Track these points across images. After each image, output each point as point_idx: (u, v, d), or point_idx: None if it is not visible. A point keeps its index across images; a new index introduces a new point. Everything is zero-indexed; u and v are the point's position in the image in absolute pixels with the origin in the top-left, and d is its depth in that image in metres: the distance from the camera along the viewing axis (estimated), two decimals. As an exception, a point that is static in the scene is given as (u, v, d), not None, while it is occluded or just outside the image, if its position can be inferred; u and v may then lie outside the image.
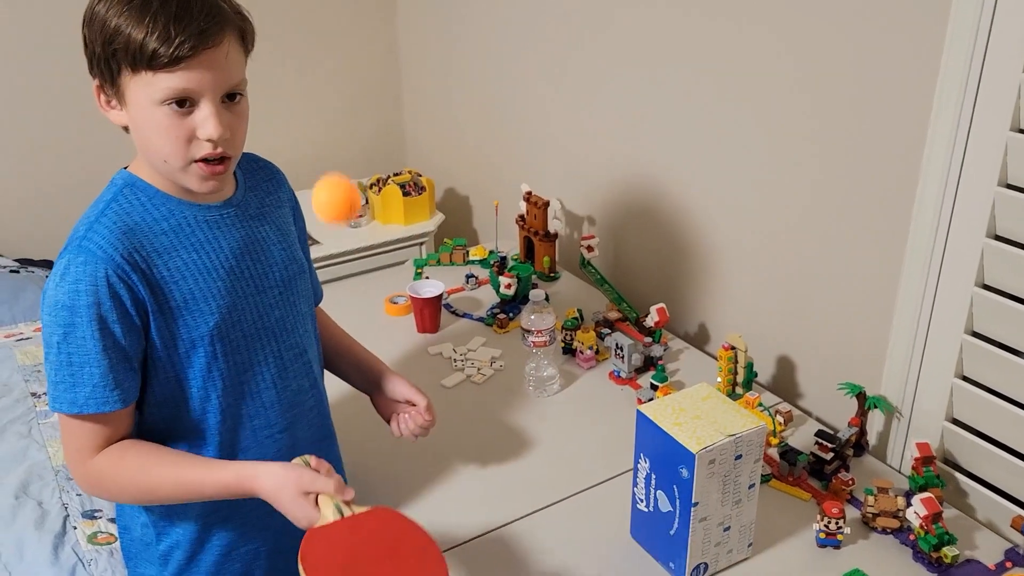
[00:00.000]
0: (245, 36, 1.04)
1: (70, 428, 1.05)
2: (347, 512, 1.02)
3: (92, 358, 1.01)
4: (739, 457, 1.17)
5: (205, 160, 1.03)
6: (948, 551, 1.24)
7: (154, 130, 1.01)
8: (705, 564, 1.22)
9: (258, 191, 1.19)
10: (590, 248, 1.95)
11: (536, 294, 1.60)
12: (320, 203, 1.16)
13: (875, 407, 1.48)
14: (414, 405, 1.29)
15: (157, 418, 1.11)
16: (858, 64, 1.42)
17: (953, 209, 1.32)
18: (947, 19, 1.26)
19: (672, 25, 1.77)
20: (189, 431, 1.12)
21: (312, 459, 1.08)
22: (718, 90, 1.70)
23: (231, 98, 1.03)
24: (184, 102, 1.00)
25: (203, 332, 1.08)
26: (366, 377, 1.34)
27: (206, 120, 1.00)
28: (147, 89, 0.98)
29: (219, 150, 1.03)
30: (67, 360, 1.01)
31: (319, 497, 1.03)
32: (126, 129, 1.06)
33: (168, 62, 0.96)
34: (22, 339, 2.02)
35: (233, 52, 1.02)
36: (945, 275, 1.35)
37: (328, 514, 1.01)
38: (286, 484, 1.03)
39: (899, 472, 1.48)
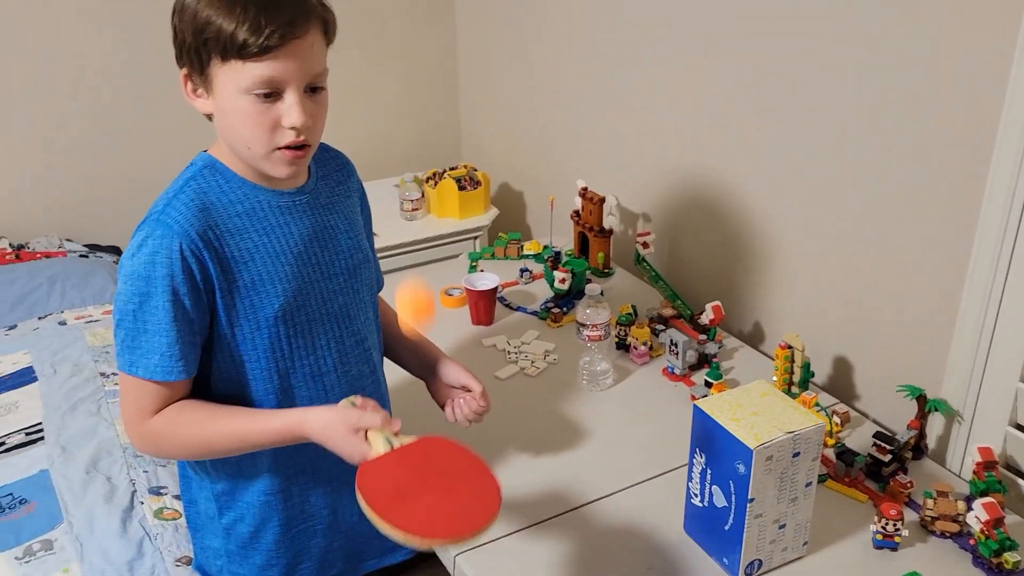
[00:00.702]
0: (328, 27, 1.08)
1: (132, 388, 1.09)
2: (396, 443, 1.07)
3: (163, 327, 1.05)
4: (797, 455, 1.16)
5: (287, 147, 1.06)
6: (1009, 557, 1.22)
7: (240, 118, 1.05)
8: (760, 561, 1.22)
9: (329, 180, 1.22)
10: (645, 245, 1.95)
11: (592, 289, 1.61)
12: (402, 307, 1.27)
13: (935, 410, 1.46)
14: (469, 391, 1.31)
15: (218, 397, 1.15)
16: (927, 59, 1.40)
17: None
18: (1022, 13, 1.24)
19: (731, 17, 1.76)
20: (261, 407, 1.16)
21: (358, 398, 1.13)
22: (779, 85, 1.69)
23: (313, 89, 1.07)
24: (270, 91, 1.03)
25: (268, 314, 1.12)
26: (422, 362, 1.37)
27: (291, 109, 1.04)
28: (235, 78, 1.02)
29: (301, 138, 1.06)
30: (142, 328, 1.06)
31: (368, 432, 1.08)
32: (209, 117, 1.10)
33: (257, 51, 1.00)
34: (91, 321, 2.09)
35: (317, 43, 1.06)
36: (1013, 277, 1.33)
37: (379, 447, 1.06)
38: (335, 424, 1.08)
39: (958, 476, 1.46)
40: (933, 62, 1.39)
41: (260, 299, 1.11)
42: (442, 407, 1.34)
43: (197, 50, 1.02)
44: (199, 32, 1.01)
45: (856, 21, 1.50)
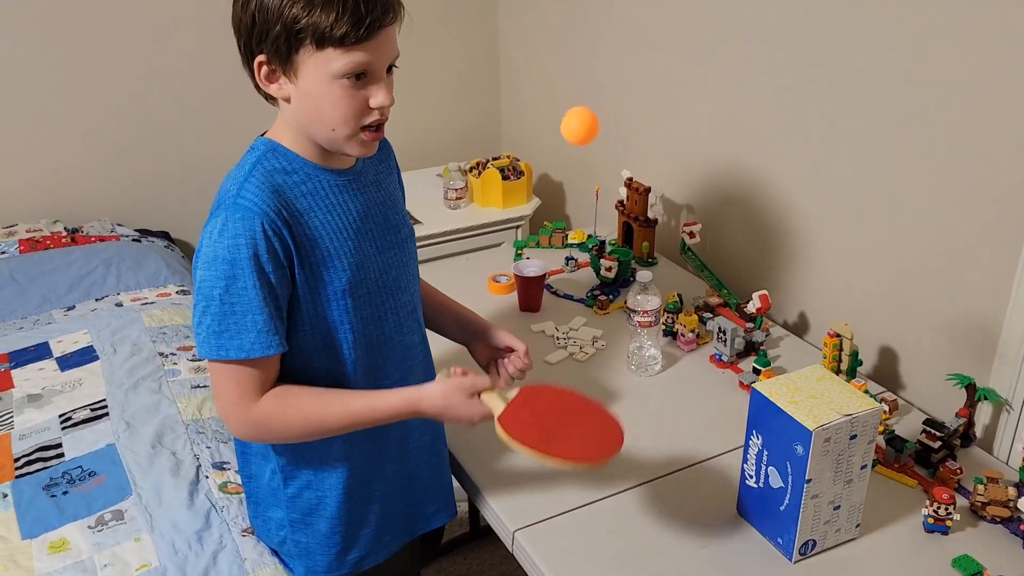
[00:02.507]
0: (401, 10, 1.12)
1: (233, 376, 1.13)
2: (507, 397, 1.20)
3: (255, 306, 1.09)
4: (853, 437, 1.19)
5: (368, 127, 1.12)
6: (1061, 542, 1.24)
7: (330, 102, 1.09)
8: (813, 541, 1.25)
9: (373, 159, 1.27)
10: (692, 235, 1.97)
11: (643, 275, 1.64)
12: (569, 129, 1.44)
13: (984, 399, 1.48)
14: (513, 351, 1.38)
15: (293, 368, 1.19)
16: (975, 51, 1.42)
17: (1078, 202, 1.31)
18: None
19: (777, 8, 1.78)
20: (322, 381, 1.21)
21: (455, 368, 1.23)
22: (825, 76, 1.70)
23: (388, 70, 1.12)
24: (362, 75, 1.08)
25: (337, 288, 1.17)
26: (465, 329, 1.43)
27: (379, 91, 1.10)
28: (328, 64, 1.06)
29: (384, 117, 1.12)
30: (230, 310, 1.09)
31: (482, 394, 1.20)
32: (272, 101, 1.14)
33: (356, 40, 1.05)
34: (147, 303, 2.14)
35: (398, 26, 1.10)
36: (1067, 268, 1.35)
37: (497, 404, 1.19)
38: (452, 394, 1.19)
39: (1007, 464, 1.48)
40: (983, 59, 1.41)
41: (330, 275, 1.16)
42: (485, 369, 1.41)
43: (287, 39, 1.06)
44: (292, 22, 1.04)
45: (903, 18, 1.52)
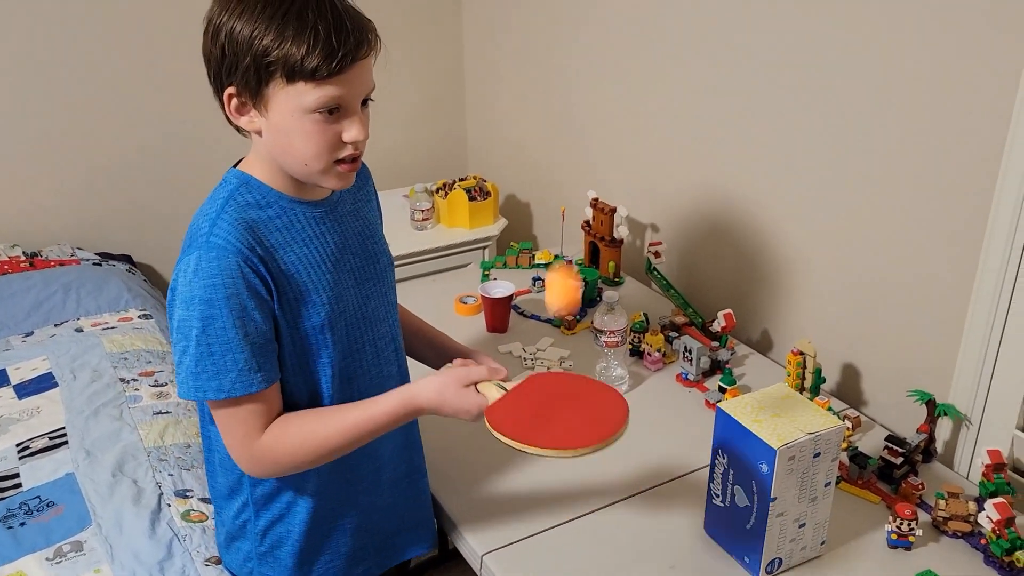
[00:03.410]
0: (377, 43, 1.11)
1: (234, 415, 1.11)
2: (508, 387, 1.16)
3: (234, 345, 1.07)
4: (817, 455, 1.20)
5: (343, 160, 1.10)
6: (1021, 555, 1.26)
7: (301, 136, 1.06)
8: (780, 559, 1.26)
9: (350, 188, 1.25)
10: (657, 254, 1.99)
11: (609, 295, 1.65)
12: (552, 298, 1.36)
13: (944, 414, 1.50)
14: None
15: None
16: (933, 68, 1.45)
17: (1030, 221, 1.34)
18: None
19: (740, 31, 1.81)
20: None
21: (455, 361, 1.24)
22: (787, 96, 1.74)
23: (363, 103, 1.10)
24: (335, 109, 1.06)
25: (316, 323, 1.15)
26: (442, 355, 1.40)
27: (353, 124, 1.08)
28: (300, 98, 1.04)
29: (359, 151, 1.10)
30: (207, 351, 1.07)
31: (478, 385, 1.16)
32: (244, 134, 1.12)
33: (328, 74, 1.02)
34: (108, 328, 2.11)
35: (373, 58, 1.09)
36: (1021, 282, 1.38)
37: (493, 394, 1.14)
38: (447, 385, 1.15)
39: (966, 479, 1.50)
40: (940, 77, 1.44)
41: (308, 310, 1.14)
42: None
43: (256, 72, 1.03)
44: (262, 54, 1.02)
45: (869, 42, 1.55)
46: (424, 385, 1.16)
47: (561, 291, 1.34)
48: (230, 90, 1.07)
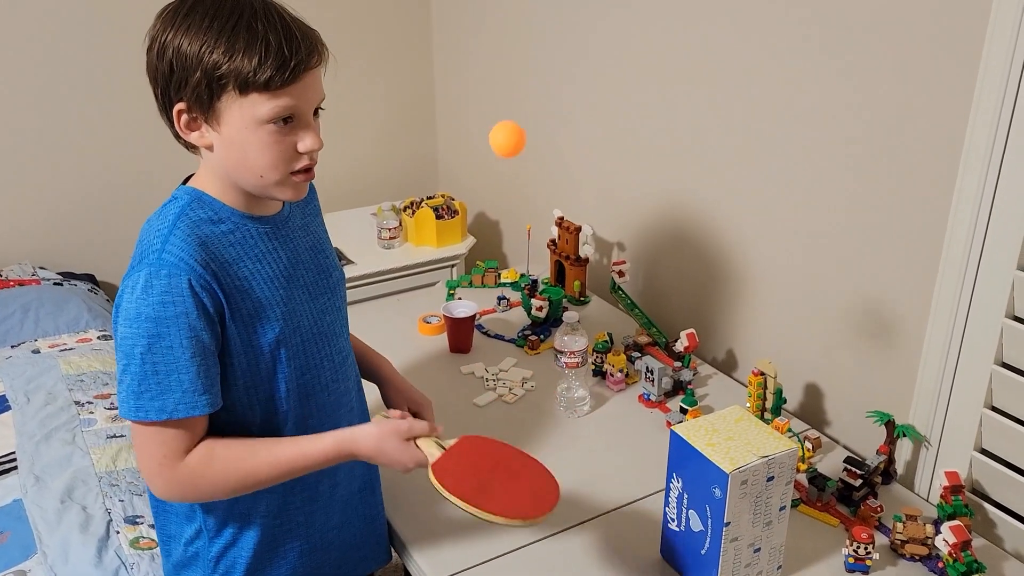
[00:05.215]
0: (326, 52, 1.10)
1: (155, 436, 1.08)
2: (445, 445, 1.17)
3: (181, 365, 1.05)
4: (771, 479, 1.19)
5: (298, 171, 1.09)
6: (977, 579, 1.25)
7: (256, 148, 1.06)
8: (735, 584, 1.24)
9: (299, 203, 1.24)
10: (621, 273, 1.98)
11: (570, 316, 1.64)
12: (498, 143, 1.39)
13: (904, 435, 1.50)
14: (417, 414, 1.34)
15: (227, 422, 1.15)
16: (893, 99, 1.46)
17: (984, 243, 1.34)
18: (983, 38, 1.29)
19: (704, 51, 1.81)
20: (256, 435, 1.16)
21: (393, 412, 1.23)
22: (751, 117, 1.74)
23: (314, 113, 1.10)
24: (288, 119, 1.06)
25: (271, 339, 1.13)
26: (369, 373, 1.39)
27: (307, 135, 1.08)
28: (253, 110, 1.03)
29: (314, 160, 1.10)
30: (152, 370, 1.05)
31: (418, 440, 1.17)
32: (193, 150, 1.11)
33: (282, 84, 1.02)
34: (65, 349, 2.07)
35: (323, 68, 1.09)
36: (976, 306, 1.38)
37: (433, 451, 1.16)
38: (388, 438, 1.15)
39: (927, 501, 1.50)
40: (899, 101, 1.45)
41: (263, 326, 1.12)
42: (388, 406, 1.37)
43: (208, 86, 1.03)
44: (213, 68, 1.01)
45: (825, 62, 1.56)
46: (365, 434, 1.16)
47: (507, 132, 1.39)
48: (180, 106, 1.06)
